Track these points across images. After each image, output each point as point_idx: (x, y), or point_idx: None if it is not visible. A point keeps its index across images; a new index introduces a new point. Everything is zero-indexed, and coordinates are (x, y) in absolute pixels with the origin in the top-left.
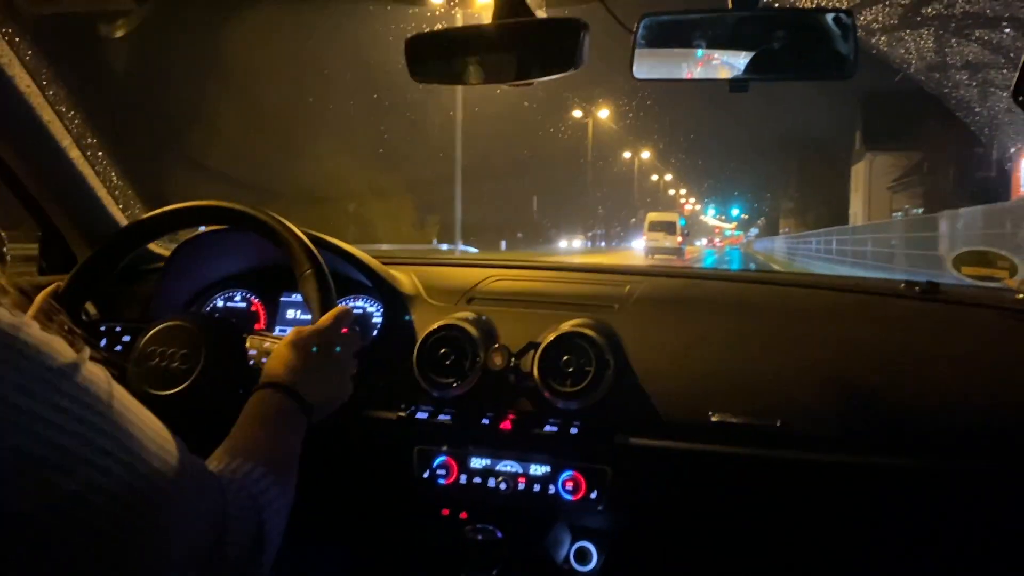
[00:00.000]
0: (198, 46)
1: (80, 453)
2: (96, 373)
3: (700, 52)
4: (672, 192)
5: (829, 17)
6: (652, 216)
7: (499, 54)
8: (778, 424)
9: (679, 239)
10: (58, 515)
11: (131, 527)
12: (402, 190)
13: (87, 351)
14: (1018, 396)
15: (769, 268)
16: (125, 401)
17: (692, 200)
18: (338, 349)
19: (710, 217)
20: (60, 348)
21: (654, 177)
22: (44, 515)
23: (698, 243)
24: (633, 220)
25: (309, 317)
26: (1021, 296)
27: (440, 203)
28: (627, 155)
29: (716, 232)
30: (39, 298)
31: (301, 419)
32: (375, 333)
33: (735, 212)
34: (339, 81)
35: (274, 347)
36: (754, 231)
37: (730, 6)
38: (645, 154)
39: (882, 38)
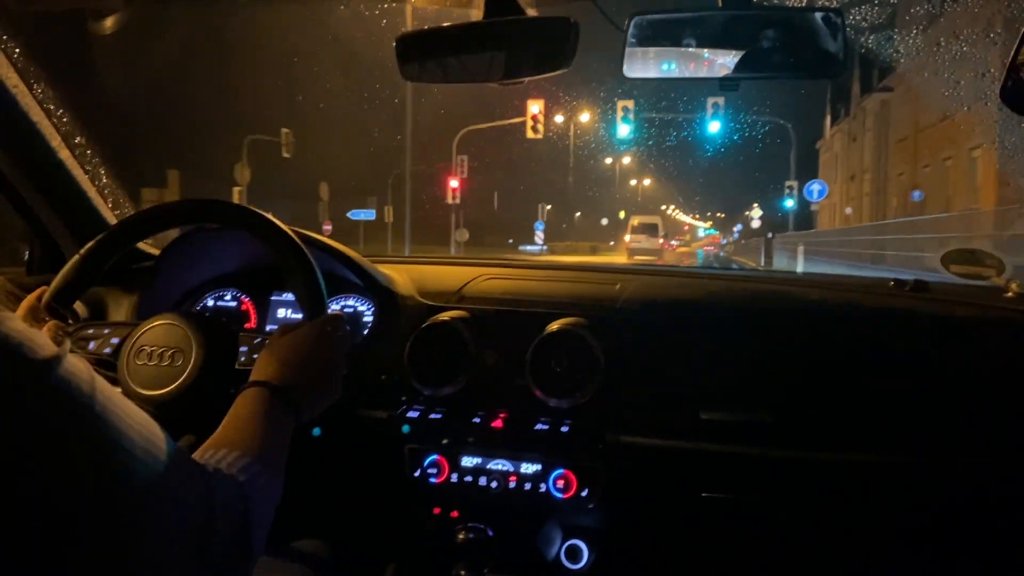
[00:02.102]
0: (186, 44)
1: (63, 445)
2: (78, 366)
3: (690, 51)
4: (634, 182)
5: (819, 16)
6: (635, 219)
7: (490, 52)
8: (768, 421)
9: (660, 240)
10: (41, 508)
11: (117, 519)
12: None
13: (68, 343)
14: (1007, 393)
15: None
16: (108, 393)
17: (665, 199)
18: (328, 349)
19: (679, 214)
20: (41, 341)
21: (608, 160)
22: (26, 508)
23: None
24: (605, 221)
25: (300, 316)
26: (1009, 294)
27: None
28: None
29: (686, 230)
30: (27, 301)
31: (288, 418)
32: (366, 332)
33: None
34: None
35: (264, 346)
36: (739, 227)
37: (720, 5)
38: (584, 115)
39: (871, 37)
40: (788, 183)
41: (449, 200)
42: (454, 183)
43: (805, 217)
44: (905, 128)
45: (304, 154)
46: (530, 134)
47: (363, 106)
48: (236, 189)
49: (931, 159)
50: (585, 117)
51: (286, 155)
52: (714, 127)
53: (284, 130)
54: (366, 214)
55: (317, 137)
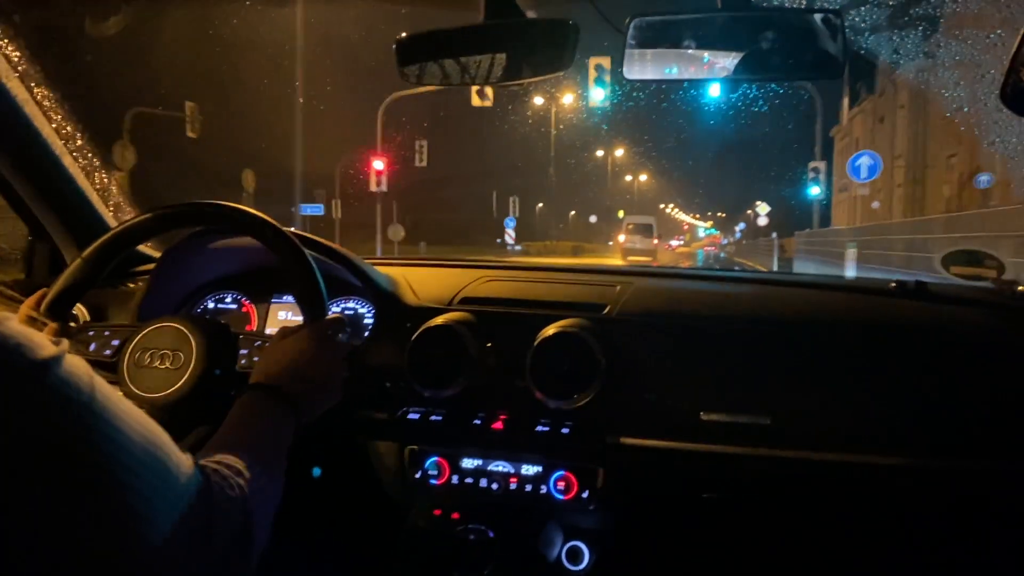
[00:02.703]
0: (186, 44)
1: (62, 445)
2: (77, 366)
3: (690, 52)
4: (629, 178)
5: (818, 17)
6: (629, 219)
7: (490, 55)
8: (768, 422)
9: (655, 241)
10: (38, 508)
11: (115, 519)
12: None
13: (67, 344)
14: (1007, 393)
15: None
16: (107, 393)
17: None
18: (329, 352)
19: (678, 213)
20: (40, 341)
21: (600, 152)
22: (23, 508)
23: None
24: (594, 218)
25: (301, 319)
26: (1009, 294)
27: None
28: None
29: (686, 229)
30: (27, 303)
31: (289, 421)
32: (366, 334)
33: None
34: None
35: (265, 348)
36: (742, 226)
37: (719, 6)
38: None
39: (871, 38)
40: (812, 165)
41: (373, 187)
42: (379, 164)
43: (822, 213)
44: (957, 99)
45: (228, 137)
46: (476, 101)
47: (310, 83)
48: (117, 175)
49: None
50: (568, 99)
51: (191, 135)
52: (714, 90)
53: (188, 104)
54: (313, 209)
55: (248, 118)
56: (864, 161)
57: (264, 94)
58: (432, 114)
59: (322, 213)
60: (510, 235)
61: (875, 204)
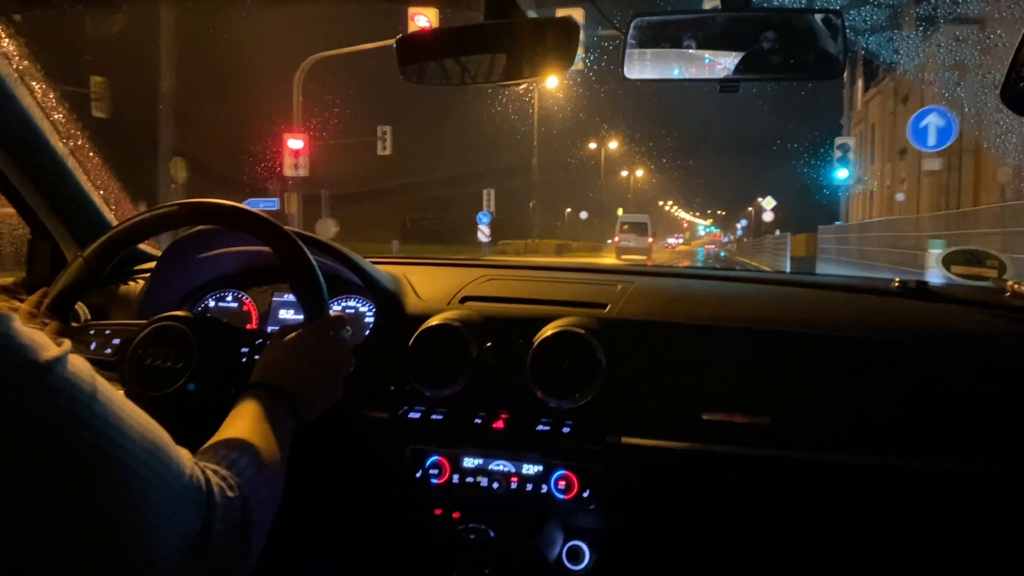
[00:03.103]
0: (185, 44)
1: (64, 446)
2: (79, 366)
3: (691, 52)
4: (625, 173)
5: (818, 17)
6: (624, 218)
7: (491, 54)
8: (769, 423)
9: (649, 239)
10: (40, 507)
11: (115, 519)
12: None
13: (69, 344)
14: (1008, 394)
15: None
16: (109, 394)
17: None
18: (329, 351)
19: (678, 210)
20: (43, 342)
21: (593, 146)
22: (24, 507)
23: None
24: (584, 215)
25: (302, 317)
26: (1009, 294)
27: None
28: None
29: (686, 227)
30: (28, 302)
31: (290, 420)
32: (367, 333)
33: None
34: None
35: (266, 347)
36: (743, 223)
37: (720, 6)
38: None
39: (871, 38)
40: (839, 141)
41: (289, 171)
42: (296, 143)
43: (831, 209)
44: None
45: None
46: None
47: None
48: None
49: None
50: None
51: (98, 114)
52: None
53: (95, 78)
54: (266, 204)
55: (189, 101)
56: (932, 121)
57: (207, 76)
58: (410, 100)
59: (276, 207)
60: (484, 232)
61: (900, 196)
